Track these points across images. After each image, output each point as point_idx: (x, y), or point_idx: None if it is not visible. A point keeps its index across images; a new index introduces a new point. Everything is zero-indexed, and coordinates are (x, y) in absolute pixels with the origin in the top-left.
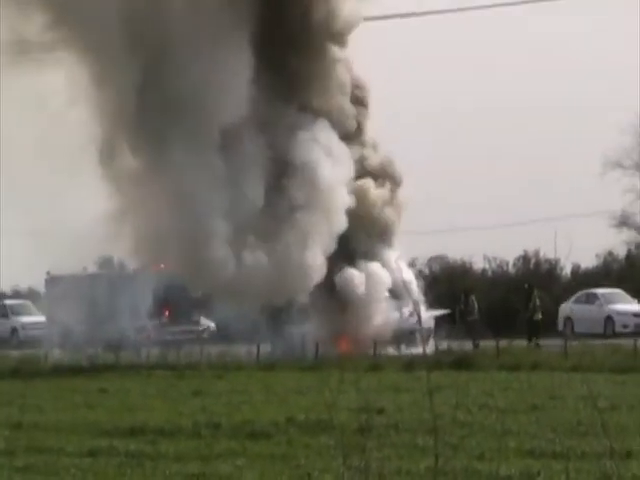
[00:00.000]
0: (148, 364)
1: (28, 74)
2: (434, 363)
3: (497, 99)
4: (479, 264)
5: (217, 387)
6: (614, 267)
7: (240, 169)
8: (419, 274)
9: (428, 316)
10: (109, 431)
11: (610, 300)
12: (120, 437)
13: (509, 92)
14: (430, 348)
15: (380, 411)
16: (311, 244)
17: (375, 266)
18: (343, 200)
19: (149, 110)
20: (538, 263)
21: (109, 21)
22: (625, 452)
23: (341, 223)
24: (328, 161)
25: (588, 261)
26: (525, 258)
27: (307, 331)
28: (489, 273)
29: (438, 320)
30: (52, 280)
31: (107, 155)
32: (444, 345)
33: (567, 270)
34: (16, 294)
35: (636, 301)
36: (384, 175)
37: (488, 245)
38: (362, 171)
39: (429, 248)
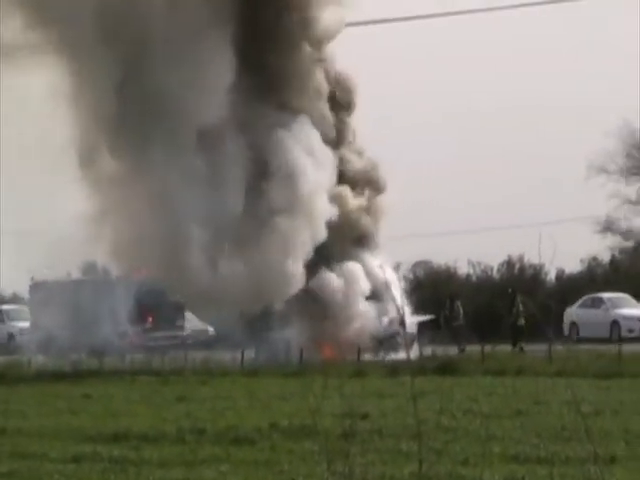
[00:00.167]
0: (132, 370)
1: (7, 76)
2: (418, 368)
3: (480, 103)
4: (463, 269)
5: (201, 393)
6: (598, 272)
7: (220, 171)
8: (403, 279)
9: (412, 322)
10: (93, 437)
11: (616, 304)
12: (104, 443)
13: (493, 96)
14: (414, 353)
15: (364, 416)
16: (291, 249)
17: (352, 266)
18: (324, 204)
19: (128, 110)
20: (522, 268)
21: (86, 19)
22: (609, 457)
23: (322, 228)
24: (310, 164)
25: (572, 266)
26: (509, 263)
27: (290, 337)
28: (473, 278)
29: (421, 326)
30: (36, 286)
31: (86, 156)
32: (428, 350)
33: (551, 275)
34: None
35: None
36: (365, 181)
37: (472, 250)
38: (341, 177)
39: (413, 253)
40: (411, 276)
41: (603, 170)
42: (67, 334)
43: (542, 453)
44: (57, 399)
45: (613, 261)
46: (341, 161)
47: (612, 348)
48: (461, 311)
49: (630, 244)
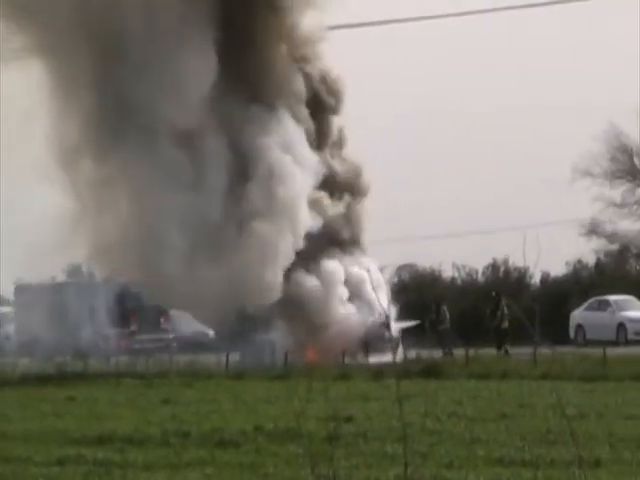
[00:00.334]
0: (117, 372)
1: None
2: (403, 372)
3: (465, 106)
4: (448, 272)
5: (186, 396)
6: (583, 275)
7: (200, 173)
8: (388, 282)
9: (397, 327)
10: (77, 440)
11: (622, 307)
12: (88, 446)
13: (478, 99)
14: (399, 356)
15: (348, 420)
16: (271, 254)
17: (332, 269)
18: (306, 209)
19: (106, 112)
20: (507, 271)
21: (65, 20)
22: (594, 460)
23: (303, 232)
24: (292, 166)
25: (558, 269)
26: (494, 266)
27: (275, 340)
28: (458, 281)
29: (406, 330)
30: (21, 288)
31: (66, 158)
32: (413, 354)
33: (536, 278)
34: None
35: None
36: (346, 186)
37: (457, 253)
38: (320, 182)
39: (398, 256)
40: (396, 279)
41: (588, 173)
42: (52, 337)
43: (527, 456)
44: (42, 402)
45: (598, 264)
46: (324, 166)
47: (617, 351)
48: (447, 315)
49: (615, 247)
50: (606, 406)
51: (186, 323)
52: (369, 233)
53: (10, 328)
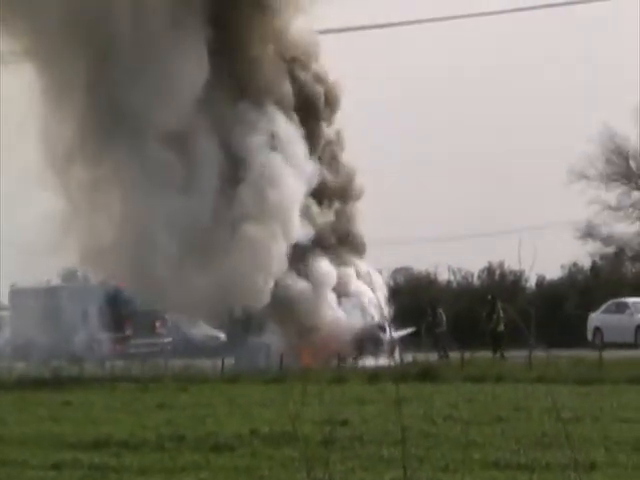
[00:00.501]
0: (112, 377)
1: None
2: (399, 375)
3: (461, 109)
4: (444, 276)
5: (181, 400)
6: (579, 278)
7: (191, 175)
8: (383, 285)
9: (393, 333)
10: (73, 444)
11: None
12: (84, 450)
13: (473, 102)
14: (394, 360)
15: (344, 423)
16: (263, 258)
17: (322, 268)
18: (298, 211)
19: (97, 115)
20: (503, 274)
21: (55, 23)
22: (589, 464)
23: (296, 235)
24: (286, 167)
25: (553, 272)
26: (490, 270)
27: (270, 343)
28: (454, 285)
29: (403, 337)
30: (16, 292)
31: (57, 161)
32: (409, 357)
33: (532, 282)
34: None
35: None
36: (337, 192)
37: (453, 257)
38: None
39: (394, 260)
40: (391, 283)
41: (583, 176)
42: (46, 341)
43: (522, 459)
44: (38, 406)
45: (594, 267)
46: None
47: (617, 354)
48: (444, 318)
49: (611, 250)
50: (601, 409)
51: (196, 327)
52: (365, 236)
53: (5, 332)
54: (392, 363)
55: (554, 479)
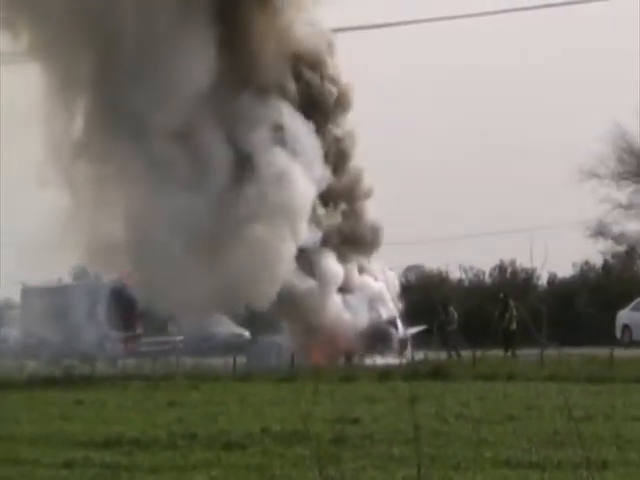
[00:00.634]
0: (124, 375)
1: None
2: (410, 373)
3: (471, 111)
4: (455, 274)
5: (193, 398)
6: (590, 276)
7: (198, 173)
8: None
9: (405, 330)
10: (84, 442)
11: None
12: (96, 448)
13: (485, 101)
14: (406, 358)
15: (355, 421)
16: (270, 255)
17: (330, 267)
18: (308, 210)
19: (101, 111)
20: (514, 273)
21: (60, 19)
22: (601, 462)
23: (304, 234)
24: (295, 165)
25: (565, 271)
26: (501, 268)
27: (281, 342)
28: (465, 283)
29: (414, 335)
30: (28, 291)
31: (62, 159)
32: (420, 355)
33: (543, 280)
34: None
35: None
36: (344, 194)
37: (464, 255)
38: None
39: (405, 258)
40: (403, 281)
41: (594, 174)
42: (57, 339)
43: (534, 458)
44: (49, 405)
45: (605, 265)
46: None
47: (625, 352)
48: (455, 316)
49: (622, 248)
50: (613, 408)
51: (222, 325)
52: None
53: (16, 330)
54: (403, 361)
55: (566, 478)
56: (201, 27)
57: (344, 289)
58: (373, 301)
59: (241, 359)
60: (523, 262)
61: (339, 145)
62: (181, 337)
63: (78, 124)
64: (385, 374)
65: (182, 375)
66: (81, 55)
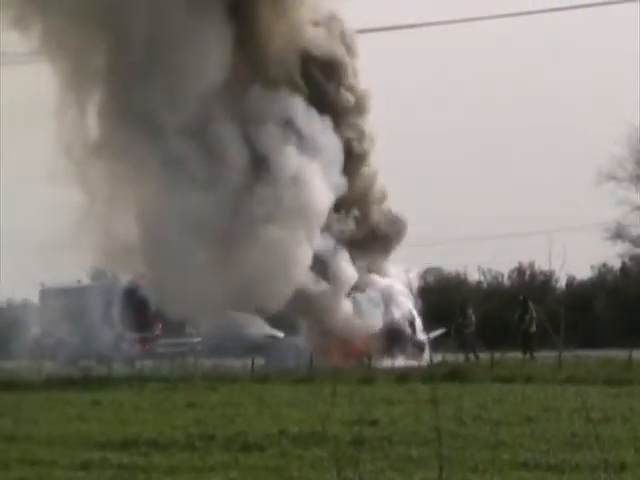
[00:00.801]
0: (141, 376)
1: None
2: (428, 375)
3: (491, 112)
4: (474, 276)
5: (211, 399)
6: (609, 279)
7: (214, 171)
8: (413, 285)
9: (423, 333)
10: (102, 444)
11: None
12: (113, 450)
13: (502, 103)
14: (424, 360)
15: (373, 423)
16: (285, 257)
17: (344, 269)
18: (324, 212)
19: (115, 108)
20: (533, 275)
21: (72, 15)
22: (619, 464)
23: (318, 235)
24: (312, 165)
25: (583, 273)
26: (520, 270)
27: (299, 344)
28: (484, 285)
29: (433, 338)
30: (46, 292)
31: (76, 158)
32: (438, 357)
33: (562, 282)
34: (10, 306)
35: None
36: (358, 200)
37: (483, 257)
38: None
39: (424, 260)
40: (421, 283)
41: (612, 177)
42: (75, 340)
43: (552, 460)
44: (66, 406)
45: (623, 268)
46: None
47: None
48: (473, 318)
49: None
50: (631, 410)
51: (256, 326)
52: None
53: (35, 331)
54: (421, 363)
55: None
56: (214, 23)
57: (360, 290)
58: (390, 303)
59: (259, 360)
60: (541, 264)
61: (352, 148)
62: (199, 339)
63: (91, 121)
64: (403, 376)
65: (200, 376)
66: (93, 51)
